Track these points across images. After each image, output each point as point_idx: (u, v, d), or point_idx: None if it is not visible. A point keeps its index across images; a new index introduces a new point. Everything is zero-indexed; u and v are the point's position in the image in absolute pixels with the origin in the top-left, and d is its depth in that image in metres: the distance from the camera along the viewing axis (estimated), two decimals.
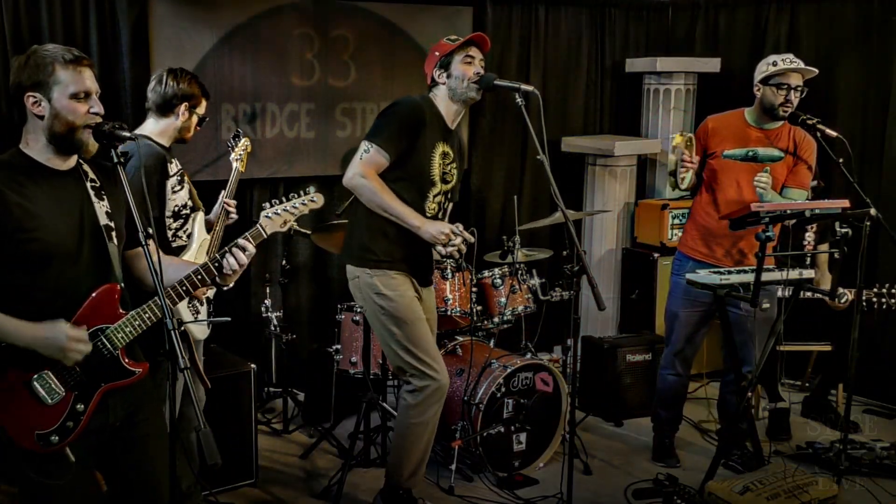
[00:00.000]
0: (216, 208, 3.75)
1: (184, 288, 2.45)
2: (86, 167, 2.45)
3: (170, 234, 3.40)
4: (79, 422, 2.32)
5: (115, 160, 2.34)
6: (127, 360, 2.39)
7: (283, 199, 2.70)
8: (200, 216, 3.57)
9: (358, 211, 3.58)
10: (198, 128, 3.57)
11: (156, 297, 2.36)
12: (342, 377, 4.54)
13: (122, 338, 2.35)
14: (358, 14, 5.07)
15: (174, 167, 3.40)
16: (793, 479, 3.69)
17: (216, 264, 2.48)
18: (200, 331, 3.53)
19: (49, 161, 2.35)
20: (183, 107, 3.43)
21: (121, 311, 2.38)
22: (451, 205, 3.77)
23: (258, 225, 2.61)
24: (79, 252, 2.34)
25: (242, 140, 3.95)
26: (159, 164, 3.30)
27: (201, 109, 3.53)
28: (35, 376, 2.27)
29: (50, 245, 2.28)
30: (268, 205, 2.67)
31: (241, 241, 2.52)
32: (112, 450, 2.44)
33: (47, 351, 2.25)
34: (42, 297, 2.29)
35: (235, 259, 2.48)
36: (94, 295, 2.34)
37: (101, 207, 2.41)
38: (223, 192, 3.77)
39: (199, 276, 2.47)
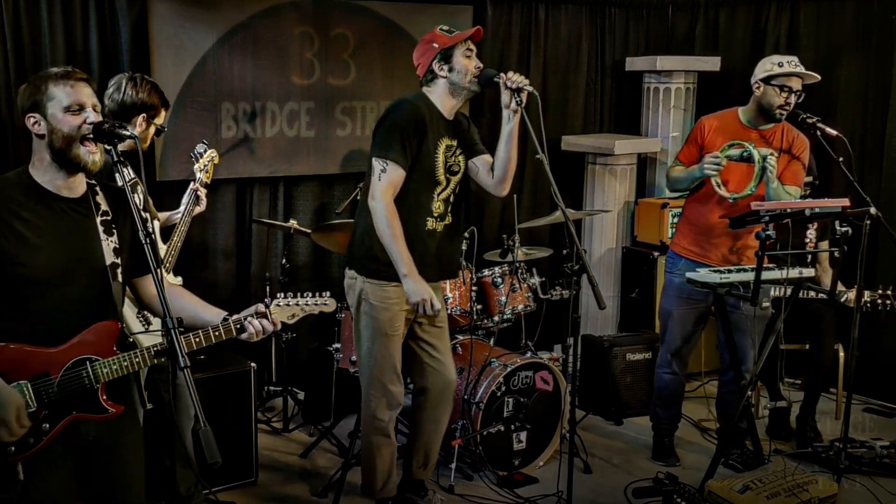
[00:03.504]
0: (182, 206, 3.64)
1: (197, 339, 2.46)
2: (99, 198, 2.46)
3: None
4: (39, 440, 2.32)
5: (115, 159, 2.35)
6: (105, 397, 2.40)
7: (298, 295, 2.69)
8: (155, 226, 3.49)
9: (369, 219, 3.49)
10: (155, 137, 3.44)
11: (152, 345, 2.40)
12: (342, 376, 4.54)
13: (107, 373, 2.37)
14: (358, 13, 5.07)
15: (125, 176, 3.30)
16: (793, 478, 3.69)
17: (238, 326, 2.50)
18: (150, 342, 3.41)
19: (54, 185, 2.37)
20: (140, 118, 3.29)
21: (115, 349, 2.40)
22: (461, 203, 3.73)
23: (267, 310, 2.60)
24: (71, 282, 2.35)
25: (208, 151, 3.83)
26: (106, 172, 3.20)
27: (160, 119, 3.39)
28: (14, 384, 2.29)
29: (35, 271, 2.29)
30: (280, 295, 2.68)
31: (264, 311, 2.55)
32: (88, 455, 2.46)
33: None
34: (31, 320, 2.32)
35: (262, 326, 2.52)
36: (93, 326, 2.37)
37: (109, 244, 2.42)
38: (192, 183, 3.68)
39: (217, 333, 2.48)
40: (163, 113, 3.41)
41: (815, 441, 4.62)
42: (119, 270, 2.44)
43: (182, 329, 2.43)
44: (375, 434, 3.65)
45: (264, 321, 2.53)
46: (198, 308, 2.59)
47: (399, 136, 3.38)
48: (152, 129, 3.38)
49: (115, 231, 2.45)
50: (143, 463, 2.59)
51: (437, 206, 3.56)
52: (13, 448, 2.29)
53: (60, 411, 2.35)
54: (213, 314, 2.55)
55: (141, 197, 3.36)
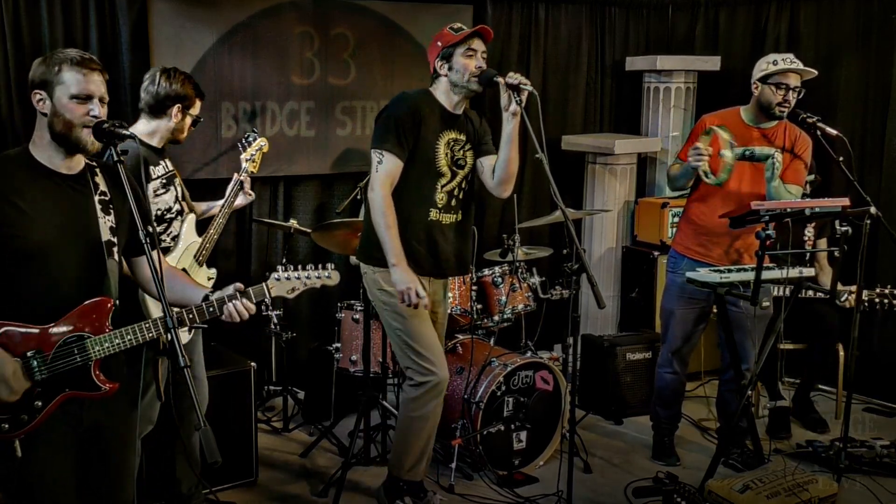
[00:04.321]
0: (224, 198, 3.68)
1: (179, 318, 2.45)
2: (98, 178, 2.48)
3: None
4: (33, 418, 2.33)
5: (115, 158, 2.39)
6: (97, 373, 2.40)
7: (299, 268, 2.63)
8: (191, 219, 3.54)
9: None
10: (192, 128, 3.51)
11: (144, 322, 2.41)
12: (342, 375, 4.54)
13: (100, 350, 2.37)
14: (358, 12, 5.07)
15: (160, 169, 3.36)
16: (793, 478, 3.69)
17: (210, 309, 2.47)
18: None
19: (52, 162, 2.39)
20: (175, 108, 3.37)
21: (108, 325, 2.40)
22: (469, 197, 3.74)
23: (264, 284, 2.57)
24: (67, 258, 2.37)
25: (258, 140, 3.89)
26: (136, 165, 3.16)
27: (195, 110, 3.48)
28: None
29: (32, 245, 2.31)
30: (280, 267, 2.62)
31: (240, 295, 2.48)
32: (86, 448, 2.46)
33: None
34: (29, 295, 2.33)
35: (237, 311, 2.47)
36: (86, 303, 2.38)
37: (106, 223, 2.44)
38: (230, 188, 3.72)
39: (191, 316, 2.46)
40: (198, 103, 3.49)
41: (815, 416, 4.69)
42: (115, 249, 2.46)
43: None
44: (417, 419, 3.61)
45: (238, 305, 2.46)
46: (185, 287, 2.61)
47: (394, 127, 3.46)
48: (188, 120, 3.46)
49: (112, 210, 2.47)
50: (135, 458, 2.59)
51: (441, 198, 3.59)
52: (7, 426, 2.30)
53: (53, 389, 2.36)
54: (197, 293, 2.56)
55: (178, 190, 3.45)
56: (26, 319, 2.32)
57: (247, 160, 3.83)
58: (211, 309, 2.48)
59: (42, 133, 2.38)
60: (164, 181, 3.37)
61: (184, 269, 3.43)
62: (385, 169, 3.47)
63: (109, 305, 2.42)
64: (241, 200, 3.76)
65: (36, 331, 2.33)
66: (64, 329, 2.35)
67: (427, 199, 3.57)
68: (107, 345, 2.38)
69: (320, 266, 2.67)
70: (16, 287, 2.33)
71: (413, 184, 3.54)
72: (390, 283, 3.55)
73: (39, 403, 2.34)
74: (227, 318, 2.49)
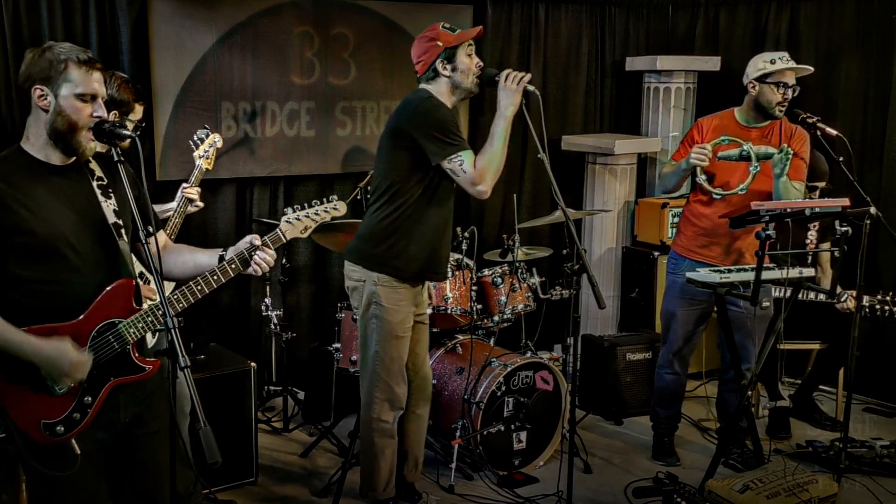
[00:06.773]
0: (175, 201, 3.60)
1: (199, 287, 2.48)
2: (92, 164, 2.46)
3: None
4: (86, 414, 2.33)
5: (116, 158, 2.38)
6: (137, 356, 2.40)
7: (306, 205, 2.69)
8: None
9: (398, 218, 3.43)
10: (136, 133, 3.41)
11: (174, 293, 2.42)
12: (342, 375, 4.54)
13: (135, 333, 2.37)
14: (358, 12, 5.07)
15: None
16: (793, 478, 3.69)
17: (233, 266, 2.51)
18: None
19: (49, 157, 2.36)
20: (112, 115, 3.20)
21: (135, 306, 2.40)
22: None
23: (278, 229, 2.62)
24: (81, 246, 2.35)
25: (210, 136, 3.76)
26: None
27: (136, 115, 3.33)
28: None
29: (49, 239, 2.29)
30: (289, 210, 2.68)
31: (259, 244, 2.53)
32: (120, 446, 2.45)
33: (46, 369, 2.25)
34: (48, 291, 2.31)
35: (263, 262, 2.53)
36: (109, 288, 2.36)
37: (109, 206, 2.43)
38: (183, 184, 3.64)
39: (215, 276, 2.49)
40: (137, 108, 3.36)
41: (819, 415, 4.69)
42: (123, 231, 2.45)
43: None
44: (380, 436, 3.63)
45: (264, 255, 2.53)
46: (196, 257, 2.62)
47: (455, 130, 3.36)
48: (130, 126, 3.31)
49: (112, 195, 2.45)
50: (166, 447, 2.56)
51: (452, 204, 3.60)
52: (62, 428, 2.30)
53: (99, 381, 2.35)
54: (209, 257, 2.58)
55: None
56: (52, 318, 2.29)
57: (200, 157, 3.70)
58: (233, 266, 2.51)
59: (39, 130, 2.34)
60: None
61: (140, 273, 3.40)
62: (469, 163, 3.32)
63: (132, 286, 2.41)
64: (192, 209, 3.64)
65: (66, 326, 2.31)
66: (94, 319, 2.33)
67: (449, 204, 3.55)
68: (140, 326, 2.37)
69: (325, 199, 2.74)
70: (35, 287, 2.30)
71: (442, 190, 3.47)
72: (390, 301, 3.48)
73: (89, 399, 2.34)
74: (252, 272, 2.54)
